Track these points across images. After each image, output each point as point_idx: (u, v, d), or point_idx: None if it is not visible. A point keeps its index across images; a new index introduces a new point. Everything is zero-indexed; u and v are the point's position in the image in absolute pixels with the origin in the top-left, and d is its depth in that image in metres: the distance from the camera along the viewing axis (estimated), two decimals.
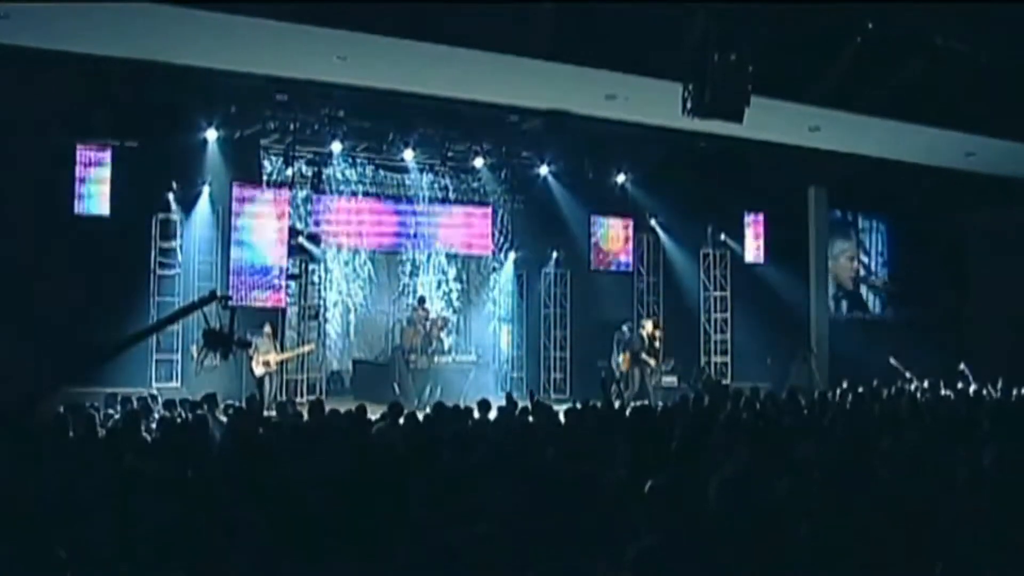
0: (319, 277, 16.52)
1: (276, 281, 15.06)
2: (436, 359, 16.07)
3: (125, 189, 13.87)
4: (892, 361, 15.91)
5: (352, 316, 17.93)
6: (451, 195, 18.27)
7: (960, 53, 12.77)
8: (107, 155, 13.88)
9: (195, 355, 14.15)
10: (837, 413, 9.69)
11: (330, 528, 4.64)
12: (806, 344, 18.76)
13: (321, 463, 6.00)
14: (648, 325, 16.70)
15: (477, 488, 5.19)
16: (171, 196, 14.99)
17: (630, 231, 18.67)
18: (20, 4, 9.77)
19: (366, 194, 17.46)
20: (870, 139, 15.67)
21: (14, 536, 4.18)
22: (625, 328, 17.30)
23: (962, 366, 15.40)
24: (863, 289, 21.29)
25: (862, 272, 21.27)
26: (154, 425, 8.92)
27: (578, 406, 10.10)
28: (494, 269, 18.92)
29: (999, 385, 13.91)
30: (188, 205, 15.16)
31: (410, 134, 16.10)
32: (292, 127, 15.19)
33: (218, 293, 6.97)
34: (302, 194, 16.53)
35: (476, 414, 9.31)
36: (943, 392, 13.64)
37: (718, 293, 19.67)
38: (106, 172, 13.83)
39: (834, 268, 20.54)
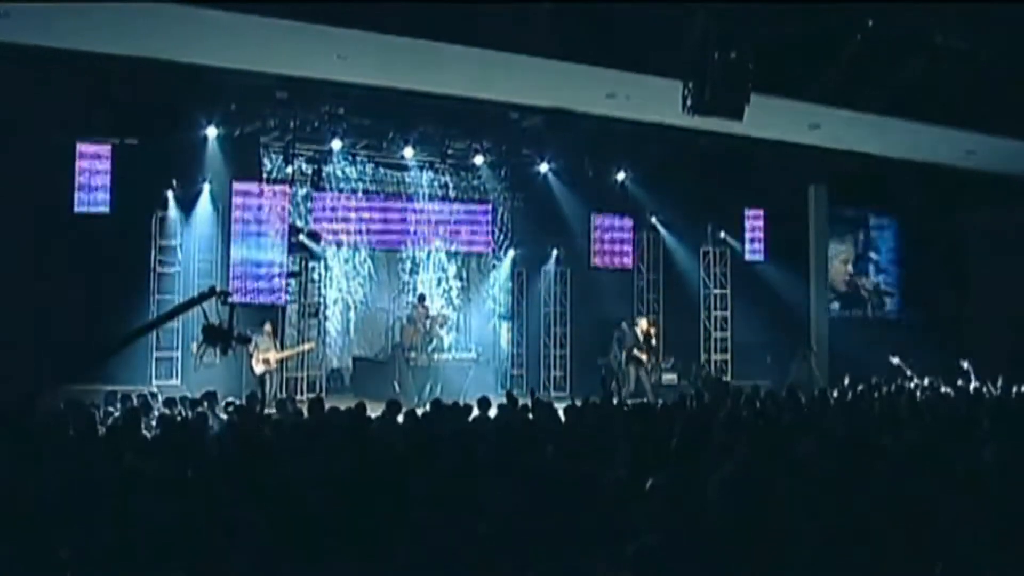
0: (319, 275, 16.53)
1: (276, 279, 15.05)
2: (436, 357, 16.08)
3: (125, 187, 13.88)
4: (893, 360, 15.90)
5: (352, 314, 17.93)
6: (451, 193, 18.28)
7: (960, 51, 12.76)
8: (107, 153, 13.88)
9: (195, 351, 14.14)
10: (837, 411, 9.70)
11: (330, 527, 4.64)
12: (806, 342, 18.77)
13: (321, 461, 6.00)
14: (643, 323, 16.69)
15: (477, 487, 5.20)
16: (171, 194, 15.00)
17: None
18: (20, 3, 9.76)
19: (366, 192, 17.47)
20: (870, 137, 15.65)
21: (15, 535, 4.19)
22: (624, 325, 17.32)
23: (965, 364, 15.39)
24: (860, 291, 21.26)
25: (856, 275, 21.23)
26: (154, 423, 8.92)
27: (578, 404, 10.11)
28: (494, 267, 18.92)
29: (999, 383, 13.91)
30: (188, 203, 15.16)
31: (410, 132, 16.09)
32: (292, 125, 15.18)
33: (217, 289, 6.95)
34: (302, 192, 16.55)
35: (476, 412, 9.30)
36: (943, 390, 13.64)
37: (718, 291, 19.67)
38: (106, 170, 13.82)
39: (829, 270, 20.55)
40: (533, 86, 13.28)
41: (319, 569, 4.25)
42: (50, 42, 11.18)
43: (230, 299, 6.81)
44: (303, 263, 15.90)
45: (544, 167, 17.72)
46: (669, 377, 17.59)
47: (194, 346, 14.41)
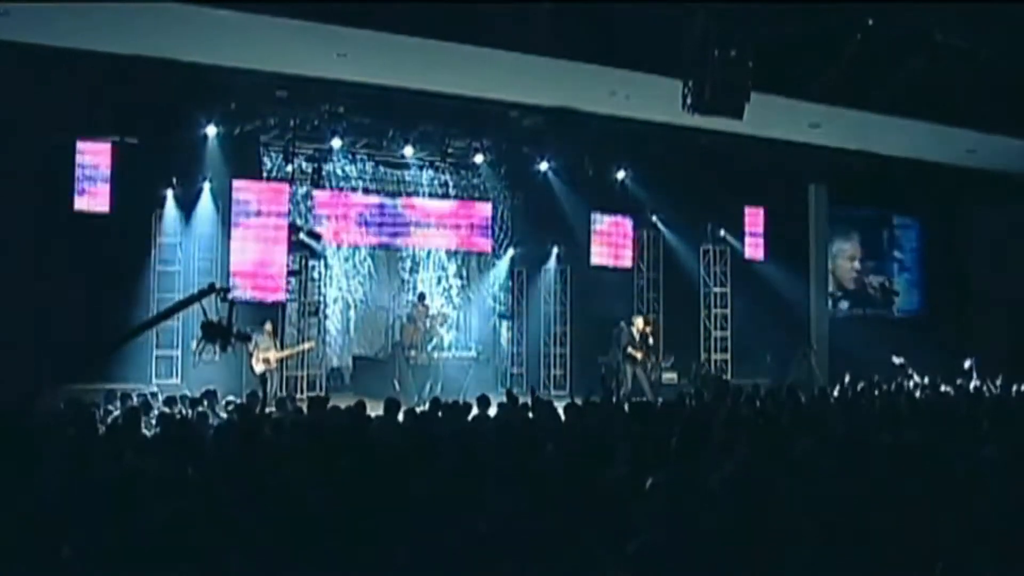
0: (319, 273, 16.52)
1: (276, 278, 15.04)
2: (436, 355, 16.08)
3: (125, 185, 13.87)
4: (896, 360, 15.89)
5: (352, 312, 17.92)
6: (451, 191, 18.28)
7: (960, 50, 12.76)
8: (107, 151, 13.87)
9: (194, 348, 14.14)
10: (837, 410, 9.70)
11: (329, 526, 4.64)
12: (806, 341, 18.77)
13: (321, 460, 6.00)
14: (639, 322, 16.67)
15: (477, 486, 5.20)
16: (171, 192, 15.00)
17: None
18: (21, 2, 9.76)
19: (366, 190, 17.46)
20: (871, 136, 15.66)
21: (17, 535, 4.18)
22: (622, 324, 17.30)
23: (968, 363, 15.40)
24: (867, 288, 21.23)
25: (863, 273, 21.21)
26: (154, 422, 8.92)
27: (578, 402, 10.11)
28: (494, 265, 18.92)
29: (998, 381, 13.92)
30: (188, 201, 15.15)
31: (410, 130, 16.09)
32: (292, 123, 15.17)
33: (217, 286, 6.95)
34: (302, 190, 16.54)
35: (475, 411, 9.30)
36: (943, 389, 13.65)
37: (718, 289, 19.66)
38: (106, 168, 13.82)
39: (833, 268, 20.53)
40: (533, 85, 13.28)
41: (319, 568, 4.25)
42: (50, 41, 11.19)
43: (229, 296, 6.81)
44: (303, 262, 15.89)
45: (544, 166, 17.71)
46: (669, 376, 17.58)
47: (194, 343, 14.44)
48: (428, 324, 16.49)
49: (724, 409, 9.27)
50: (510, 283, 18.95)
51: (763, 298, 18.89)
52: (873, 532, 4.23)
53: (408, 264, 18.29)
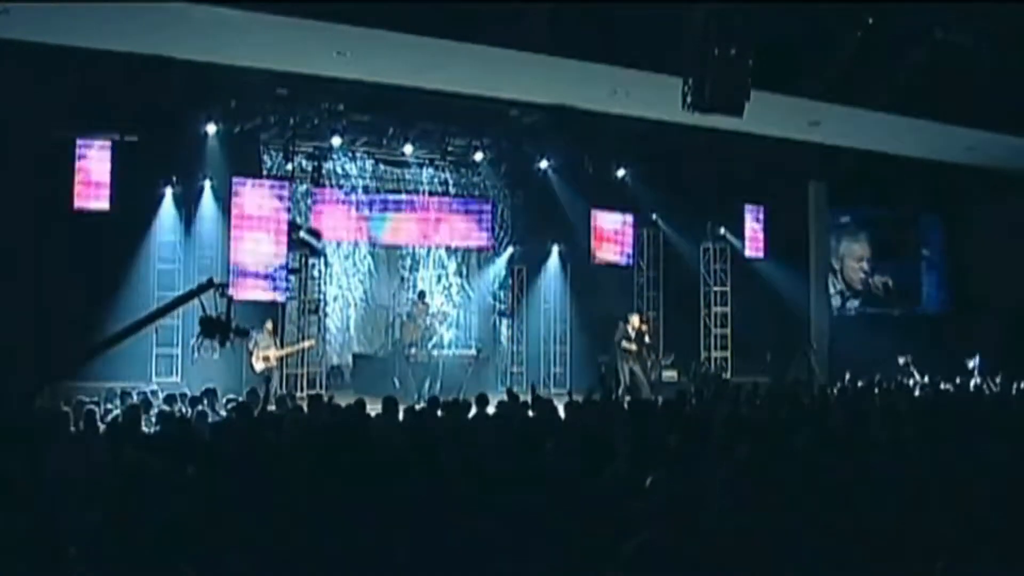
0: (319, 272, 16.51)
1: (276, 276, 15.04)
2: (436, 353, 16.08)
3: (125, 184, 13.87)
4: (901, 360, 15.88)
5: (352, 310, 17.93)
6: (451, 189, 18.28)
7: (960, 48, 12.76)
8: (107, 149, 13.87)
9: (193, 343, 14.19)
10: (837, 408, 9.70)
11: (329, 523, 4.65)
12: (806, 339, 18.77)
13: (320, 458, 6.01)
14: (635, 319, 16.66)
15: (476, 484, 5.20)
16: (171, 191, 14.99)
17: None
18: (21, 1, 9.76)
19: (366, 188, 17.46)
20: (870, 134, 15.65)
21: (20, 533, 4.19)
22: (621, 323, 17.29)
23: (972, 362, 15.41)
24: (871, 289, 21.19)
25: (870, 274, 21.17)
26: (154, 420, 8.92)
27: (578, 400, 10.12)
28: (494, 263, 18.92)
29: (998, 379, 13.92)
30: (188, 199, 15.15)
31: (410, 129, 16.08)
32: (292, 121, 15.17)
33: (215, 281, 6.94)
34: (302, 188, 16.53)
35: (474, 410, 9.30)
36: (943, 387, 13.65)
37: (718, 288, 19.66)
38: (106, 166, 13.82)
39: (842, 268, 20.55)
40: (533, 83, 13.28)
41: (319, 567, 4.25)
42: (50, 39, 11.18)
43: (228, 291, 6.80)
44: (303, 260, 15.89)
45: (544, 164, 17.72)
46: (669, 374, 17.58)
47: (193, 340, 14.44)
48: (428, 322, 16.49)
49: (724, 408, 9.28)
50: (510, 281, 18.95)
51: (763, 296, 18.89)
52: (873, 531, 4.23)
53: (408, 262, 18.30)
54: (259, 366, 14.13)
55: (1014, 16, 11.88)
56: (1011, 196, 18.70)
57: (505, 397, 10.30)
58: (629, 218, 18.58)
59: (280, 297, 15.22)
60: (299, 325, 15.79)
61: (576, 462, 5.77)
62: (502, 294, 19.03)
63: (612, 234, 18.41)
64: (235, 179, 14.81)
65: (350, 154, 16.97)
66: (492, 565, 4.04)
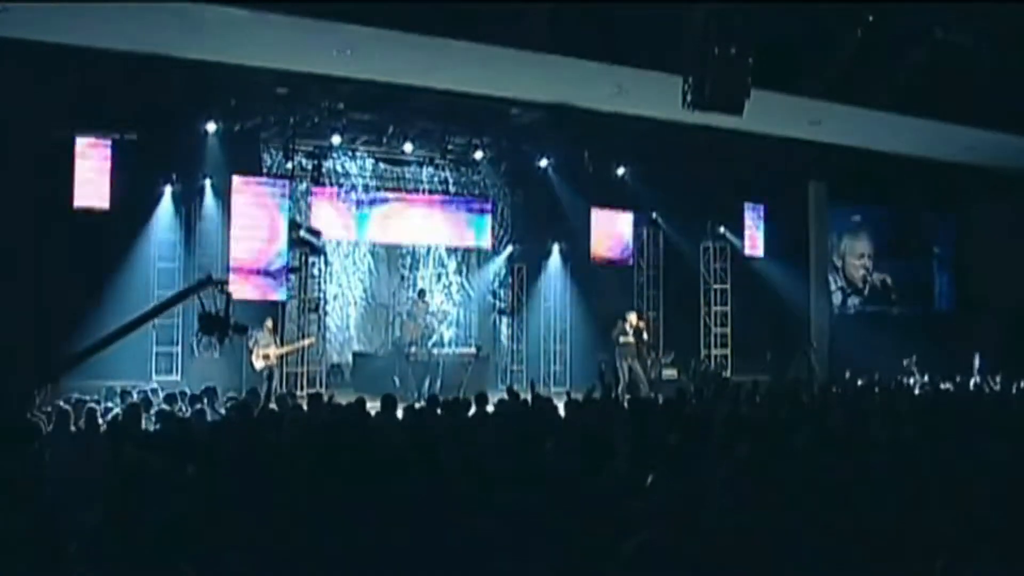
0: (319, 270, 16.51)
1: (276, 274, 15.04)
2: (436, 352, 16.07)
3: (125, 182, 13.87)
4: (906, 361, 15.88)
5: (352, 309, 17.93)
6: (451, 188, 18.27)
7: (961, 47, 12.76)
8: (107, 148, 13.86)
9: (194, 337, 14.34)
10: (837, 407, 9.70)
11: (329, 522, 4.65)
12: (806, 338, 18.77)
13: (320, 457, 6.01)
14: (632, 316, 16.64)
15: (476, 483, 5.20)
16: (171, 189, 14.99)
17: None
18: (21, 1, 9.75)
19: (366, 187, 17.46)
20: (870, 133, 15.65)
21: (22, 532, 4.19)
22: (619, 320, 17.29)
23: (975, 361, 15.41)
24: (872, 286, 21.20)
25: (872, 272, 21.16)
26: (154, 418, 8.92)
27: (577, 399, 10.12)
28: (493, 262, 18.93)
29: (998, 378, 13.93)
30: (188, 198, 15.17)
31: (410, 127, 16.07)
32: (292, 120, 15.16)
33: (213, 277, 6.95)
34: (302, 187, 16.52)
35: (474, 408, 9.29)
36: (943, 386, 13.65)
37: (718, 286, 19.66)
38: (106, 165, 13.82)
39: (843, 266, 20.54)
40: (533, 81, 13.28)
41: (319, 566, 4.25)
42: (50, 37, 11.18)
43: (226, 287, 6.81)
44: (303, 259, 15.89)
45: (544, 162, 17.71)
46: (669, 373, 17.58)
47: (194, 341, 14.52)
48: (428, 321, 16.49)
49: (724, 407, 9.28)
50: (510, 279, 18.95)
51: (763, 295, 18.90)
52: (873, 530, 4.23)
53: (408, 261, 18.28)
54: (259, 364, 14.14)
55: (1014, 16, 11.87)
56: (1011, 195, 18.71)
57: (505, 396, 10.29)
58: (629, 217, 18.58)
59: (280, 296, 15.23)
60: (299, 324, 15.80)
61: (576, 461, 5.76)
62: (502, 293, 19.03)
63: (612, 233, 18.41)
64: (235, 178, 14.81)
65: (350, 153, 16.96)
66: (492, 564, 4.04)
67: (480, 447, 6.38)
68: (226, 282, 7.26)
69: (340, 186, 17.12)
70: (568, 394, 11.09)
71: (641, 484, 4.79)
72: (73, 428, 8.05)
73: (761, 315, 18.68)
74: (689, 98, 11.35)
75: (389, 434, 7.43)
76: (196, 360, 14.91)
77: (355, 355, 17.49)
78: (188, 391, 11.44)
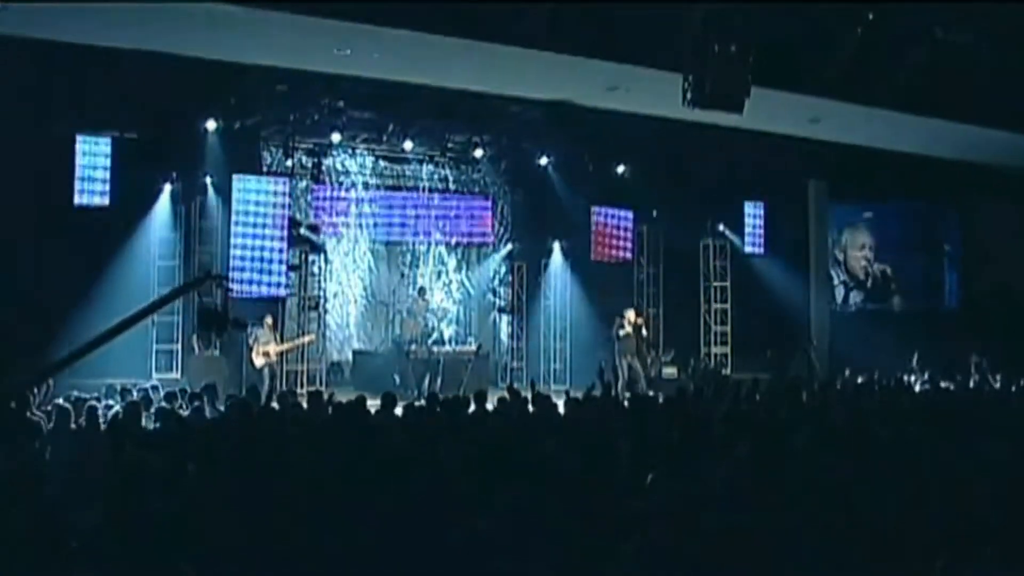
0: (319, 268, 16.51)
1: (276, 272, 15.03)
2: (436, 349, 16.07)
3: (125, 180, 13.87)
4: (912, 361, 15.88)
5: (352, 307, 17.93)
6: (451, 186, 18.28)
7: (961, 45, 12.75)
8: (107, 146, 13.86)
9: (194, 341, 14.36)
10: (837, 405, 9.71)
11: (329, 519, 4.65)
12: (806, 336, 18.77)
13: (320, 455, 6.01)
14: (630, 314, 16.63)
15: (476, 481, 5.20)
16: (171, 187, 14.98)
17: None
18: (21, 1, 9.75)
19: (366, 185, 17.46)
20: (871, 131, 15.64)
21: (23, 530, 4.19)
22: (618, 318, 17.28)
23: (975, 360, 15.40)
24: (874, 280, 21.16)
25: (872, 267, 21.13)
26: (154, 416, 8.92)
27: (577, 397, 10.12)
28: (494, 260, 18.93)
29: (998, 376, 13.93)
30: (188, 195, 15.16)
31: (410, 125, 16.06)
32: (292, 118, 15.16)
33: (212, 272, 6.95)
34: (302, 185, 16.53)
35: (473, 406, 9.29)
36: (943, 384, 13.65)
37: (718, 284, 19.64)
38: (106, 163, 13.81)
39: (845, 259, 20.53)
40: (533, 79, 13.26)
41: (319, 564, 4.25)
42: (50, 35, 11.16)
43: (225, 283, 6.80)
44: (303, 256, 15.89)
45: (544, 160, 17.70)
46: (669, 371, 17.57)
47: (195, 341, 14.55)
48: (428, 318, 16.49)
49: (724, 405, 9.28)
50: (510, 277, 18.95)
51: (763, 293, 18.89)
52: (873, 529, 4.24)
53: (408, 259, 18.28)
54: (259, 362, 14.16)
55: (1014, 15, 11.86)
56: (1011, 194, 18.69)
57: (505, 394, 10.29)
58: (629, 214, 18.57)
59: (280, 293, 15.23)
60: (299, 322, 15.81)
61: (576, 460, 5.76)
62: (502, 291, 19.04)
63: (612, 231, 18.40)
64: (235, 175, 14.80)
65: (350, 150, 16.96)
66: (492, 563, 4.04)
67: (480, 445, 6.38)
68: (225, 277, 7.24)
69: (340, 184, 17.13)
70: (567, 392, 11.09)
71: (641, 483, 4.79)
72: (73, 426, 8.05)
73: (761, 313, 18.67)
74: (689, 96, 11.35)
75: (389, 432, 7.44)
76: (196, 358, 14.92)
77: (355, 353, 17.49)
78: (188, 389, 11.45)
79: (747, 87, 11.33)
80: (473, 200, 18.43)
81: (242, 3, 10.03)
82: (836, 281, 20.60)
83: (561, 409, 9.28)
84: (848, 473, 5.14)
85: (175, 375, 14.65)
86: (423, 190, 17.97)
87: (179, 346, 15.01)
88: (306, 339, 15.31)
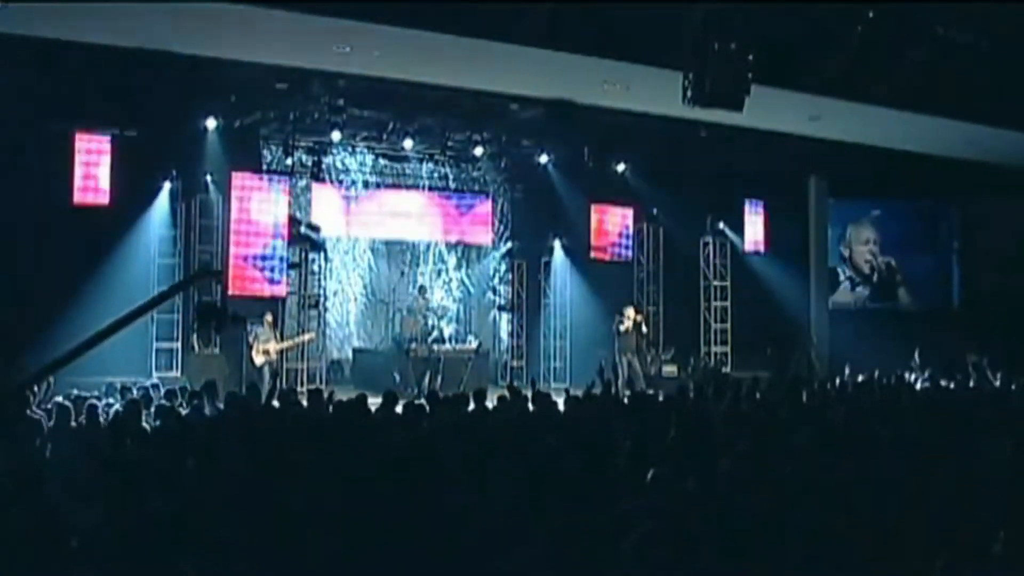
0: (319, 266, 16.52)
1: (276, 270, 15.04)
2: (436, 348, 16.08)
3: (124, 178, 13.86)
4: (914, 360, 15.86)
5: (352, 305, 17.94)
6: (451, 184, 18.30)
7: (961, 43, 12.75)
8: (106, 144, 13.86)
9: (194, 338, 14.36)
10: (837, 403, 9.71)
11: (330, 518, 4.65)
12: (806, 334, 18.77)
13: (320, 453, 6.01)
14: (629, 311, 16.64)
15: (477, 479, 5.20)
16: (170, 185, 14.98)
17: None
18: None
19: (366, 183, 17.46)
20: (871, 128, 15.64)
21: (24, 528, 4.19)
22: (617, 315, 17.27)
23: (974, 359, 15.38)
24: (878, 274, 21.13)
25: (877, 260, 21.10)
26: (154, 414, 8.92)
27: (578, 395, 10.11)
28: (493, 258, 18.93)
29: (999, 374, 13.91)
30: (188, 194, 15.15)
31: (410, 123, 16.06)
32: (292, 116, 15.17)
33: (210, 268, 6.93)
34: (302, 183, 16.53)
35: (472, 405, 9.29)
36: (943, 383, 13.64)
37: (718, 282, 19.64)
38: (105, 161, 13.81)
39: (850, 255, 20.53)
40: (533, 77, 13.27)
41: (319, 562, 4.25)
42: (49, 33, 11.17)
43: (221, 277, 6.79)
44: (303, 255, 15.90)
45: (544, 158, 17.70)
46: (669, 369, 17.57)
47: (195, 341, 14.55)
48: (428, 316, 16.50)
49: (724, 403, 9.28)
50: (510, 276, 18.96)
51: (763, 291, 18.89)
52: (873, 528, 4.23)
53: (408, 257, 18.29)
54: (259, 360, 14.17)
55: (1014, 15, 11.86)
56: (1012, 192, 18.69)
57: (505, 392, 10.28)
58: (629, 213, 18.56)
59: (280, 291, 15.24)
60: (299, 320, 15.82)
61: (576, 458, 5.76)
62: (502, 289, 19.05)
63: (612, 229, 18.40)
64: (235, 174, 14.81)
65: (350, 148, 16.97)
66: (492, 562, 4.04)
67: (480, 444, 6.38)
68: (221, 272, 7.22)
69: (340, 182, 17.13)
70: (567, 390, 11.09)
71: (641, 481, 4.79)
72: (73, 424, 8.06)
73: (761, 311, 18.67)
74: (689, 94, 11.35)
75: (389, 430, 7.43)
76: (196, 356, 14.93)
77: (355, 351, 17.51)
78: (188, 387, 11.45)
79: (747, 85, 11.33)
80: (473, 198, 18.43)
81: (242, 1, 10.03)
82: (842, 277, 20.57)
83: (561, 407, 9.28)
84: (848, 472, 5.14)
85: (175, 373, 14.64)
86: (423, 188, 17.97)
87: (179, 344, 15.01)
88: (306, 337, 15.32)
